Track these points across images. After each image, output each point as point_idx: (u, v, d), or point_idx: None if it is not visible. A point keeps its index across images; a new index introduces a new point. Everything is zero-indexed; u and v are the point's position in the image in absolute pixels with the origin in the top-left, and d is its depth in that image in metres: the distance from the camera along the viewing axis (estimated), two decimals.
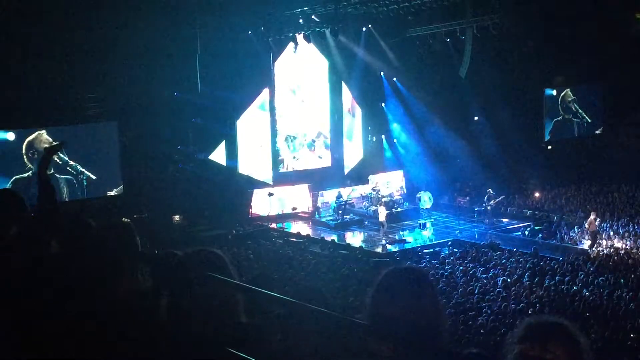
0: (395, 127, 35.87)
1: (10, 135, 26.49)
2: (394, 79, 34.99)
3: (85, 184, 27.66)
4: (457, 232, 28.26)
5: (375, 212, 29.97)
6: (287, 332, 3.04)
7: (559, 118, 38.90)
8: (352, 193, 32.27)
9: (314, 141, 33.93)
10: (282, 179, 32.29)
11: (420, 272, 2.83)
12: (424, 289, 2.70)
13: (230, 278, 2.91)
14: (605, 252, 23.64)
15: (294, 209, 31.26)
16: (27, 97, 25.58)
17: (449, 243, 26.29)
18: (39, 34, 24.86)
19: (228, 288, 2.83)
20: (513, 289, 18.58)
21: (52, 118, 27.15)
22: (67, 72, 26.09)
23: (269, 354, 2.84)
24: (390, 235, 27.87)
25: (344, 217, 30.26)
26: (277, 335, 3.05)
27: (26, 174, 26.26)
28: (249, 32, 30.08)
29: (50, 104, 26.50)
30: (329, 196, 31.56)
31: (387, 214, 28.05)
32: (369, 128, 35.45)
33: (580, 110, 39.98)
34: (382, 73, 34.84)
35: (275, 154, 32.73)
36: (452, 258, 23.52)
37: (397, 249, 26.22)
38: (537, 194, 32.29)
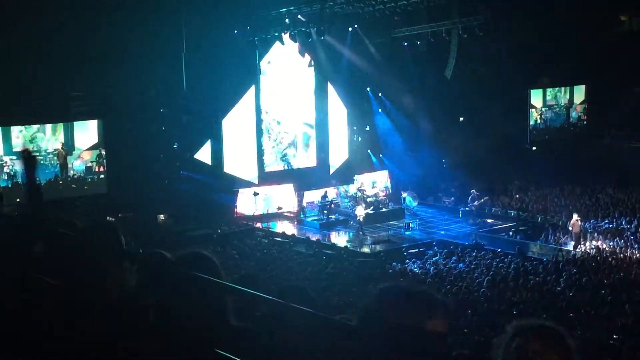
0: (381, 126, 35.86)
1: None
2: (380, 94, 35.13)
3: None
4: (442, 232, 28.36)
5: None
6: (273, 332, 3.04)
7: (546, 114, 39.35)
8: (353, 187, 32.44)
9: (298, 140, 33.90)
10: (268, 178, 32.24)
11: (433, 297, 2.62)
12: (435, 316, 2.55)
13: (220, 279, 2.91)
14: (588, 252, 23.79)
15: (279, 208, 31.24)
16: (11, 95, 25.42)
17: (434, 243, 26.33)
18: (23, 32, 24.72)
19: (217, 289, 2.82)
20: (497, 289, 18.66)
21: (36, 116, 27.03)
22: (52, 70, 25.94)
23: (256, 355, 2.84)
24: (374, 235, 27.91)
25: (329, 217, 30.26)
26: (263, 335, 3.05)
27: None
28: (235, 32, 29.98)
29: (35, 101, 26.36)
30: (314, 196, 31.55)
31: (365, 213, 28.24)
32: (355, 128, 35.45)
33: (564, 111, 40.29)
34: (368, 89, 34.98)
35: (261, 153, 32.67)
36: (436, 258, 23.59)
37: (382, 249, 26.25)
38: (521, 195, 32.41)
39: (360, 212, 28.26)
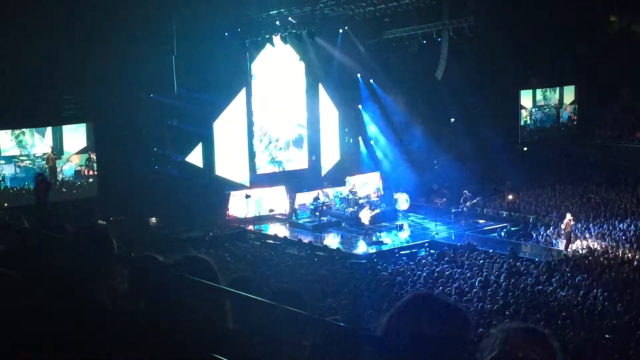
0: (372, 128, 35.89)
1: None
2: (371, 80, 35.02)
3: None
4: (434, 233, 28.37)
5: (353, 213, 30.01)
6: (266, 334, 3.02)
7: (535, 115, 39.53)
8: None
9: (290, 142, 33.89)
10: (259, 180, 32.21)
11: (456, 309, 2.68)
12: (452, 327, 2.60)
13: (217, 283, 2.89)
14: (580, 252, 23.84)
15: (271, 210, 31.19)
16: (1, 99, 25.33)
17: (426, 244, 26.36)
18: (14, 35, 24.63)
19: (210, 293, 2.81)
20: (490, 289, 18.67)
21: (28, 120, 26.95)
22: (43, 73, 25.85)
23: (249, 357, 2.82)
24: (366, 237, 27.89)
25: (321, 218, 30.25)
26: (256, 338, 3.03)
27: None
28: (226, 34, 29.97)
29: (26, 105, 26.27)
30: (306, 198, 31.53)
31: (370, 217, 28.15)
32: (346, 130, 35.45)
33: (553, 111, 40.45)
34: (359, 75, 34.86)
35: (252, 155, 32.64)
36: (429, 259, 23.60)
37: (374, 251, 26.26)
38: (512, 196, 32.45)
39: (366, 215, 28.09)
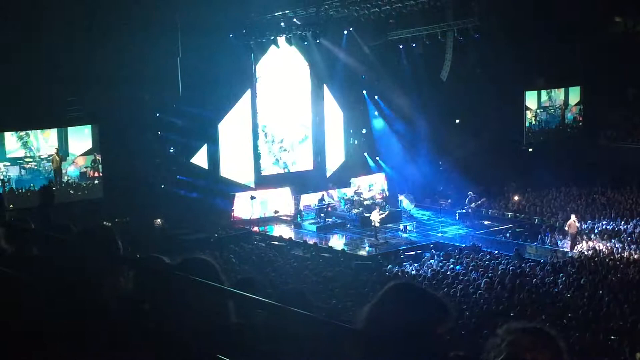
0: (377, 128, 35.86)
1: None
2: (376, 81, 35.00)
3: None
4: (439, 234, 28.34)
5: (358, 214, 30.00)
6: (271, 336, 3.02)
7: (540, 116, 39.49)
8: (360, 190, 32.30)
9: (295, 144, 33.89)
10: (264, 182, 32.21)
11: (429, 295, 2.73)
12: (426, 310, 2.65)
13: (221, 285, 2.90)
14: (586, 253, 23.80)
15: (276, 212, 31.18)
16: (6, 100, 25.36)
17: (431, 245, 26.33)
18: (17, 36, 24.68)
19: (215, 294, 2.81)
20: (495, 290, 18.65)
21: (32, 121, 26.98)
22: (48, 75, 25.88)
23: (253, 358, 2.82)
24: (371, 238, 27.86)
25: (326, 220, 30.23)
26: (261, 339, 3.03)
27: None
28: (231, 35, 29.99)
29: (31, 107, 26.30)
30: (311, 199, 31.51)
31: (380, 218, 28.04)
32: (351, 131, 35.45)
33: (559, 112, 40.39)
34: (363, 76, 34.83)
35: (257, 157, 32.65)
36: (434, 260, 23.58)
37: (379, 252, 26.23)
38: (518, 197, 32.41)
39: (375, 217, 28.01)
